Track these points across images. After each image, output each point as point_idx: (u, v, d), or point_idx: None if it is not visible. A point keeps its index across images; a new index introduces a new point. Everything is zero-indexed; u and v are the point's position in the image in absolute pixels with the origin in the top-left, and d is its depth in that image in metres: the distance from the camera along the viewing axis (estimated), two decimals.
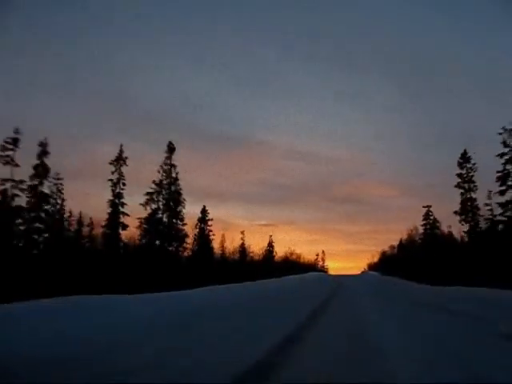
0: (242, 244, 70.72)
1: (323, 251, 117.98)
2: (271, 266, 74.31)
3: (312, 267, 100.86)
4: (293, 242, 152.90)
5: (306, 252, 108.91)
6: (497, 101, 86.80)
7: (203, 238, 54.73)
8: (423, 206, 54.90)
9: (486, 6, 68.07)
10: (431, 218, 54.94)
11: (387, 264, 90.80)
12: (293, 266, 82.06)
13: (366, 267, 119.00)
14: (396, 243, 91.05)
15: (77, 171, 60.79)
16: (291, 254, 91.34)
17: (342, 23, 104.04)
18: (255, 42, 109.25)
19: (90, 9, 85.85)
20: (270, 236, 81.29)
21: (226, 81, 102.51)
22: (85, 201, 73.68)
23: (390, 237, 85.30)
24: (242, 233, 71.77)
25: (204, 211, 56.27)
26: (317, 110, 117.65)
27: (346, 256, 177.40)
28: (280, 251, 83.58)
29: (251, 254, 73.78)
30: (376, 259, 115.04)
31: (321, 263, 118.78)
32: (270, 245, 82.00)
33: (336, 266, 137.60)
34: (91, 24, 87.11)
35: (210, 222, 56.22)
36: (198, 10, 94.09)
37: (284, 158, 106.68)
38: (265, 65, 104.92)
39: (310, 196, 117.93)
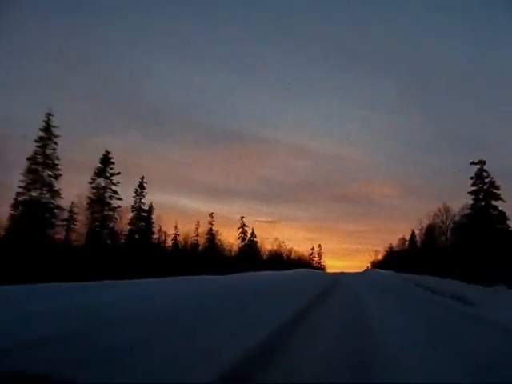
0: (210, 231, 55.27)
1: (320, 245, 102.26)
2: (252, 259, 58.98)
3: (305, 263, 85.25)
4: (293, 239, 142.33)
5: (304, 249, 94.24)
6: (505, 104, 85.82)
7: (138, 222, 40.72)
8: (472, 163, 36.77)
9: (497, 8, 60.79)
10: (486, 180, 36.15)
11: (396, 260, 77.10)
12: (279, 260, 66.82)
13: (369, 265, 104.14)
14: (404, 235, 78.38)
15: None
16: (279, 247, 75.88)
17: (349, 23, 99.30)
18: (261, 41, 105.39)
19: (95, 10, 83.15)
20: (242, 224, 65.18)
21: (231, 78, 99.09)
22: None
23: (391, 237, 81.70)
24: (211, 215, 56.50)
25: (141, 188, 41.75)
26: (322, 109, 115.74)
27: (346, 254, 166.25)
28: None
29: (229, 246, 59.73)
30: (380, 256, 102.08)
31: (317, 259, 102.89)
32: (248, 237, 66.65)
33: (335, 264, 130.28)
34: (95, 24, 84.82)
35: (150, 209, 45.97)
36: (206, 7, 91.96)
37: (288, 156, 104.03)
38: (271, 63, 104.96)
39: (313, 194, 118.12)
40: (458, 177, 78.80)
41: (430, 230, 50.20)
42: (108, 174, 39.68)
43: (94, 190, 39.32)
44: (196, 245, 53.96)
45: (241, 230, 66.31)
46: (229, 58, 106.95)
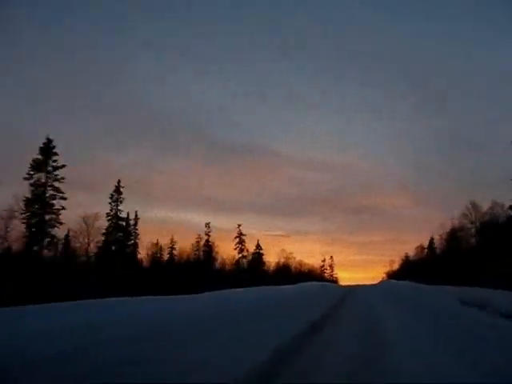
0: (207, 243, 50.68)
1: (331, 257, 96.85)
2: (256, 273, 54.32)
3: (316, 276, 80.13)
4: (305, 252, 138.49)
5: (315, 262, 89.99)
6: None
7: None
8: None
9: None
10: None
11: (413, 270, 71.93)
12: (286, 274, 62.02)
13: (384, 276, 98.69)
14: (422, 243, 73.33)
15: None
16: (287, 260, 71.01)
17: (359, 33, 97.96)
18: (272, 54, 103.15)
19: (101, 19, 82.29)
20: (239, 233, 60.63)
21: (237, 91, 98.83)
22: None
23: (406, 246, 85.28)
24: (207, 225, 51.97)
25: (117, 194, 37.67)
26: (330, 120, 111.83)
27: (360, 266, 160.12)
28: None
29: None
30: (396, 266, 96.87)
31: (328, 271, 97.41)
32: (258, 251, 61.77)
33: (348, 276, 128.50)
34: (101, 34, 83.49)
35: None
36: (217, 21, 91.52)
37: (297, 168, 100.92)
38: (278, 75, 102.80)
39: (325, 207, 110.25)
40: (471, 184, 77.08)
41: (454, 234, 45.16)
42: (50, 168, 31.95)
43: (32, 188, 31.82)
44: (191, 259, 49.48)
45: (238, 239, 60.25)
46: (239, 72, 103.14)
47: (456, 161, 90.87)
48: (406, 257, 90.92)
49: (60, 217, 32.72)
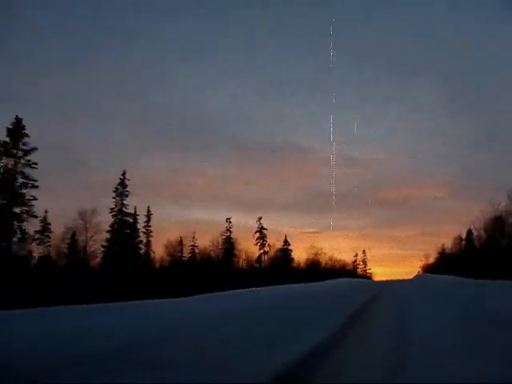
0: (229, 239, 48.91)
1: (364, 251, 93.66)
2: (285, 271, 52.35)
3: (349, 272, 77.47)
4: (338, 248, 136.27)
5: (348, 257, 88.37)
6: None
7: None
8: None
9: None
10: None
11: (450, 263, 68.47)
12: (316, 271, 59.70)
13: (419, 270, 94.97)
14: (460, 234, 69.65)
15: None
16: (316, 256, 68.63)
17: (386, 25, 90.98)
18: (300, 51, 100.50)
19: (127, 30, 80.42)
20: (260, 227, 57.88)
21: (264, 89, 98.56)
22: None
23: (441, 240, 79.48)
24: (228, 221, 50.10)
25: (122, 187, 35.89)
26: (360, 114, 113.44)
27: (393, 261, 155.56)
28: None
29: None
30: (431, 260, 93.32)
31: (361, 267, 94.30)
32: (285, 247, 59.60)
33: (383, 271, 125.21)
34: (120, 37, 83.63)
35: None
36: (239, 21, 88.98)
37: (328, 165, 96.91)
38: (306, 71, 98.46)
39: (358, 202, 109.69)
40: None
41: (498, 222, 41.88)
42: (19, 153, 28.29)
43: None
44: (212, 257, 47.87)
45: (258, 234, 56.66)
46: (266, 70, 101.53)
47: (492, 152, 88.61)
48: (443, 250, 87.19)
49: (33, 208, 29.65)
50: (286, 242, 59.70)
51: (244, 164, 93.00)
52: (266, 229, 57.43)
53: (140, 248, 38.05)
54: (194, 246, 48.86)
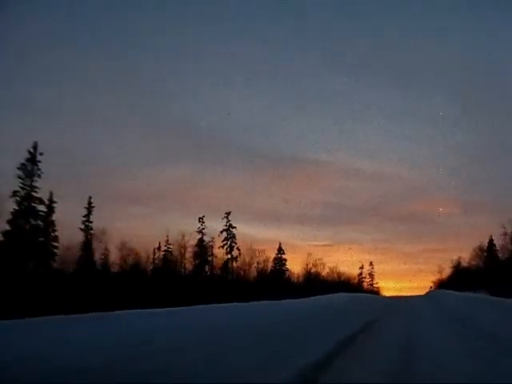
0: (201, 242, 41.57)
1: (371, 263, 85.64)
2: (278, 284, 45.00)
3: (353, 286, 69.73)
4: (346, 262, 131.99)
5: (355, 270, 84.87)
6: None
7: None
8: None
9: None
10: None
11: (466, 278, 60.77)
12: (314, 285, 52.24)
13: (432, 285, 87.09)
14: (481, 244, 61.96)
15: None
16: (313, 267, 61.10)
17: (399, 37, 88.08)
18: (312, 64, 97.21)
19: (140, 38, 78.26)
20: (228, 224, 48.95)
21: (278, 100, 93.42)
22: None
23: (452, 255, 77.91)
24: (201, 219, 42.79)
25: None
26: (374, 128, 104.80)
27: (405, 276, 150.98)
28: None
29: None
30: (444, 275, 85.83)
31: (367, 280, 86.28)
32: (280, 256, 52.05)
33: (393, 285, 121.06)
34: (134, 46, 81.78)
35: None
36: (253, 29, 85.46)
37: (341, 178, 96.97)
38: (321, 83, 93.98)
39: (370, 215, 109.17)
40: None
41: None
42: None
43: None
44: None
45: (225, 234, 46.88)
46: (280, 81, 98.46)
47: (504, 167, 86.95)
48: (458, 263, 79.18)
49: None
50: (280, 251, 52.33)
51: (255, 177, 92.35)
52: (235, 227, 48.14)
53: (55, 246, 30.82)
54: (166, 251, 41.88)
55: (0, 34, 43.96)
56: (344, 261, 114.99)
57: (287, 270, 53.73)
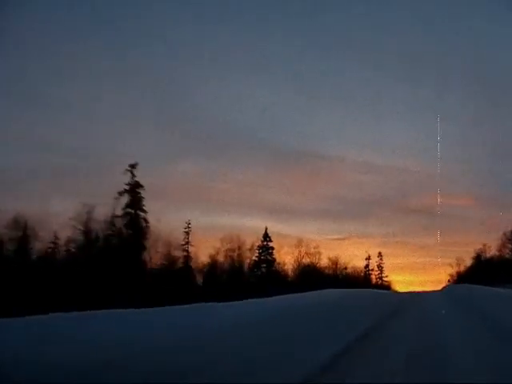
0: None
1: (380, 253, 76.20)
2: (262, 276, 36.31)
3: (353, 281, 60.88)
4: (359, 255, 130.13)
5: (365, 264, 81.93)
6: None
7: None
8: None
9: None
10: None
11: (491, 270, 52.06)
12: (309, 279, 43.47)
13: (449, 279, 78.19)
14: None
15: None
16: (308, 258, 52.43)
17: (412, 31, 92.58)
18: (324, 57, 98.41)
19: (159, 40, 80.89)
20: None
21: (294, 94, 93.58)
22: None
23: (466, 249, 70.89)
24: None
25: None
26: (387, 122, 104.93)
27: (420, 269, 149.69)
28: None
29: None
30: (462, 267, 77.17)
31: (376, 273, 76.71)
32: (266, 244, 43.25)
33: (409, 279, 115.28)
34: (149, 40, 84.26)
35: None
36: (269, 25, 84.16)
37: (356, 172, 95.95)
38: (335, 79, 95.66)
39: (383, 209, 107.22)
40: None
41: None
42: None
43: None
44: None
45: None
46: (292, 77, 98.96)
47: None
48: (478, 254, 69.94)
49: None
50: (266, 237, 43.50)
51: (268, 170, 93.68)
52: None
53: None
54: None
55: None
56: (357, 254, 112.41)
57: (274, 261, 45.01)
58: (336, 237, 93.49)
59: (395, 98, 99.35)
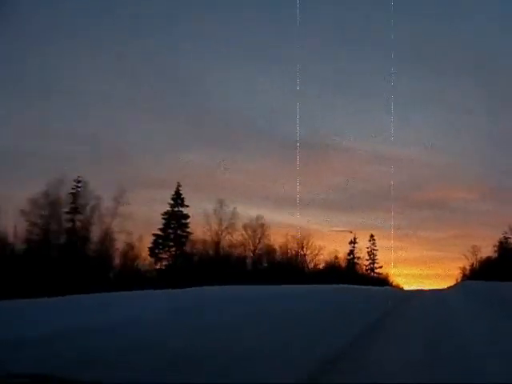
0: None
1: (372, 236, 57.79)
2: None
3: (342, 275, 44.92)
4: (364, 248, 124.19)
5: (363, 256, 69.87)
6: None
7: None
8: None
9: None
10: None
11: None
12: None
13: (460, 273, 65.31)
14: None
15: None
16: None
17: (425, 23, 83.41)
18: (331, 46, 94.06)
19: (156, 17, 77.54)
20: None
21: (302, 84, 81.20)
22: None
23: (475, 243, 69.28)
24: None
25: None
26: (397, 113, 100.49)
27: (428, 263, 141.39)
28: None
29: None
30: (475, 261, 64.24)
31: (365, 263, 58.89)
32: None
33: (417, 273, 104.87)
34: (157, 30, 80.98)
35: None
36: (279, 14, 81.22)
37: (365, 163, 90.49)
38: (343, 69, 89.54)
39: (393, 201, 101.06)
40: None
41: None
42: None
43: None
44: None
45: None
46: (302, 67, 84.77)
47: None
48: (501, 244, 53.90)
49: None
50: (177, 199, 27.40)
51: (276, 161, 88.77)
52: None
53: None
54: None
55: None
56: (361, 246, 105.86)
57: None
58: (342, 229, 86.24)
59: (407, 88, 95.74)
